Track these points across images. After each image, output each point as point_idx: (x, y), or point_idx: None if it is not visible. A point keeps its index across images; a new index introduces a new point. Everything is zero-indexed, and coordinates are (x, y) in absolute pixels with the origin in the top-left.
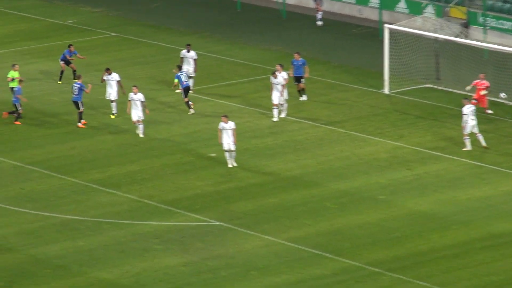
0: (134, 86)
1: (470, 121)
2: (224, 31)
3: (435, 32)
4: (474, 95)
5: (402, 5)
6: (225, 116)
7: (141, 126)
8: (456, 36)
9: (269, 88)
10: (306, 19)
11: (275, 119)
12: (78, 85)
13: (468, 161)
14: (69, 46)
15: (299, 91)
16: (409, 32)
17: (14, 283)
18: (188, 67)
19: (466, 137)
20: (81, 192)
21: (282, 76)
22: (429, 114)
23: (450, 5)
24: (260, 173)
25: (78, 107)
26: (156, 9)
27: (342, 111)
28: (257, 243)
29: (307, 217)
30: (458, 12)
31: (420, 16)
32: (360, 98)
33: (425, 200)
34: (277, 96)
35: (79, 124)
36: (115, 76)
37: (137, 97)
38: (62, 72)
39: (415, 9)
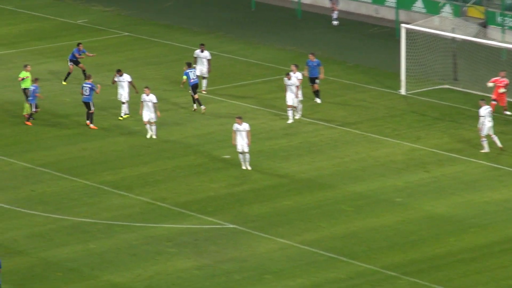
0: (146, 87)
1: (487, 122)
2: (238, 31)
3: (453, 32)
4: (493, 95)
5: (419, 5)
6: (239, 117)
7: (153, 128)
8: (474, 36)
9: (283, 89)
10: (322, 19)
11: (290, 121)
12: (89, 85)
13: (486, 163)
14: (78, 44)
15: (314, 92)
16: (426, 32)
17: (24, 287)
18: (202, 67)
19: (484, 139)
20: (92, 194)
21: (296, 77)
22: (446, 116)
23: (468, 4)
24: (275, 175)
25: (89, 108)
26: (169, 8)
27: (357, 112)
28: (271, 246)
29: (322, 220)
30: (476, 12)
31: (438, 15)
32: (376, 99)
33: (442, 202)
34: (292, 98)
35: (91, 125)
36: (126, 78)
37: (149, 98)
38: (69, 74)
39: (433, 8)
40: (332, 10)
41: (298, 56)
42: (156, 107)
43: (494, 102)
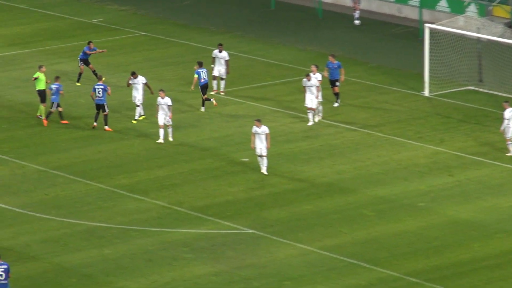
0: (161, 90)
1: None
2: (257, 31)
3: (478, 32)
4: None
5: (443, 4)
6: (258, 120)
7: (170, 130)
8: (500, 36)
9: (302, 90)
10: (343, 18)
11: (310, 123)
12: (102, 87)
13: None
14: (89, 43)
15: (335, 94)
16: (450, 32)
17: None
18: (220, 68)
19: (509, 142)
20: (107, 198)
21: (316, 78)
22: (471, 118)
23: (494, 4)
24: (294, 179)
25: (103, 110)
26: (186, 7)
27: (380, 114)
28: (291, 252)
29: (343, 225)
30: (501, 11)
31: (462, 15)
32: (399, 100)
33: (467, 207)
34: (311, 99)
35: (106, 127)
36: (140, 79)
37: (164, 101)
38: (80, 74)
39: (457, 8)
40: (354, 9)
41: (319, 56)
42: (170, 109)
43: None
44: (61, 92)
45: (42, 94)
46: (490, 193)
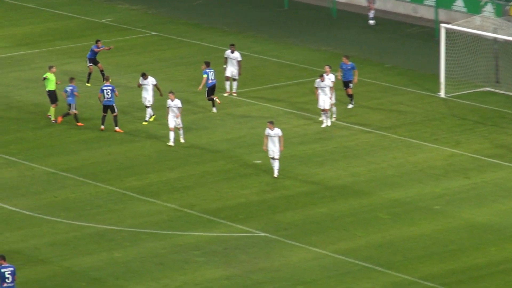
0: (171, 92)
1: None
2: (270, 30)
3: (495, 32)
4: None
5: (459, 4)
6: (271, 122)
7: (180, 132)
8: None
9: (313, 91)
10: (358, 18)
11: (324, 125)
12: (110, 87)
13: None
14: (97, 41)
15: (349, 96)
16: (467, 32)
17: None
18: (233, 69)
19: None
20: (117, 200)
21: (329, 79)
22: (488, 120)
23: (511, 3)
24: (308, 182)
25: (112, 111)
26: (198, 7)
27: (395, 115)
28: (305, 255)
29: (357, 228)
30: None
31: (479, 15)
32: (415, 102)
33: (483, 210)
34: (325, 100)
35: (116, 128)
36: (151, 80)
37: (174, 104)
38: (89, 74)
39: (474, 7)
40: (369, 9)
41: (333, 57)
42: (180, 111)
43: None
44: (75, 93)
45: (52, 95)
46: (507, 196)
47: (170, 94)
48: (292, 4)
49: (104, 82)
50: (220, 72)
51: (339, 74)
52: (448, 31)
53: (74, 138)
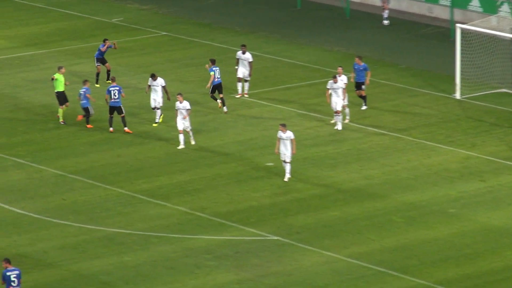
0: (179, 94)
1: None
2: (283, 31)
3: (511, 33)
4: None
5: (475, 4)
6: (283, 125)
7: (190, 134)
8: None
9: (324, 93)
10: (372, 18)
11: (337, 126)
12: (117, 88)
13: None
14: (104, 40)
15: (362, 97)
16: (483, 32)
17: None
18: (244, 70)
19: None
20: (127, 203)
21: (341, 80)
22: (504, 121)
23: None
24: (321, 184)
25: (119, 112)
26: (209, 6)
27: (409, 117)
28: (317, 259)
29: (371, 232)
30: None
31: (495, 15)
32: (429, 103)
33: (499, 214)
34: (337, 102)
35: (126, 129)
36: (160, 82)
37: (182, 106)
38: (98, 74)
39: (490, 7)
40: (383, 9)
41: (346, 57)
42: (188, 113)
43: None
44: (88, 95)
45: (60, 96)
46: None
47: (179, 96)
48: (305, 4)
49: (110, 82)
50: (231, 73)
51: (352, 76)
52: (463, 31)
53: (83, 140)
